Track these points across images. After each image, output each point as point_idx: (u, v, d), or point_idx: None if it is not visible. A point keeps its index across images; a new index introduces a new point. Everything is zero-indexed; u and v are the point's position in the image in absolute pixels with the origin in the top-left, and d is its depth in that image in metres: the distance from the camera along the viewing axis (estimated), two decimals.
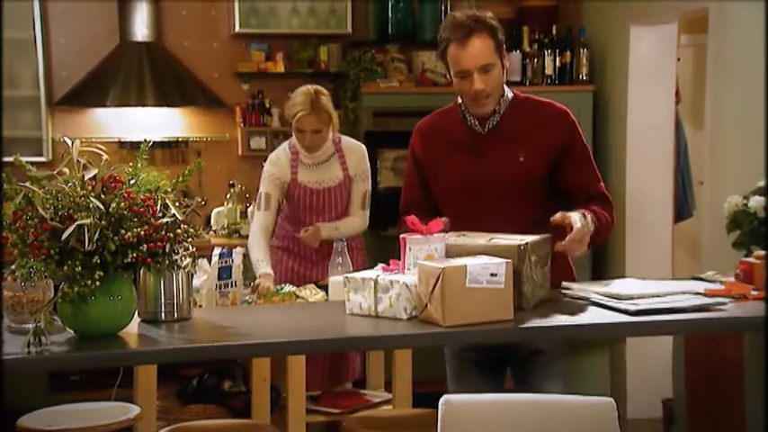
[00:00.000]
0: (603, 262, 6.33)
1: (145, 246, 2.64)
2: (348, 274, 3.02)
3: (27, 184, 2.67)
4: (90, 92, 6.25)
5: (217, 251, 4.02)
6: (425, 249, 2.95)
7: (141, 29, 6.31)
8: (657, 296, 2.92)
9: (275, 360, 4.10)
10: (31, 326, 2.83)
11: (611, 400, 2.34)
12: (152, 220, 2.68)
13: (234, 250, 4.05)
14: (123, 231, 2.60)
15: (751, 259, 3.49)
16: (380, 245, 5.88)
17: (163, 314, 2.92)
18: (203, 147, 6.49)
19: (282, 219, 4.65)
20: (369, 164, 4.70)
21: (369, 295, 2.91)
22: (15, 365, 2.55)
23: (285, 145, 4.65)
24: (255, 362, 4.03)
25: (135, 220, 2.64)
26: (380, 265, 3.02)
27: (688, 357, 4.49)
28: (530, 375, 3.16)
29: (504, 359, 3.25)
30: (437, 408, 4.04)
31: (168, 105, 6.38)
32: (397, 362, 4.14)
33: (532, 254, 2.89)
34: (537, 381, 3.12)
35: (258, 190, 4.61)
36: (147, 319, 2.90)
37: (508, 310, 2.76)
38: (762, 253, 3.56)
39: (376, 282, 2.90)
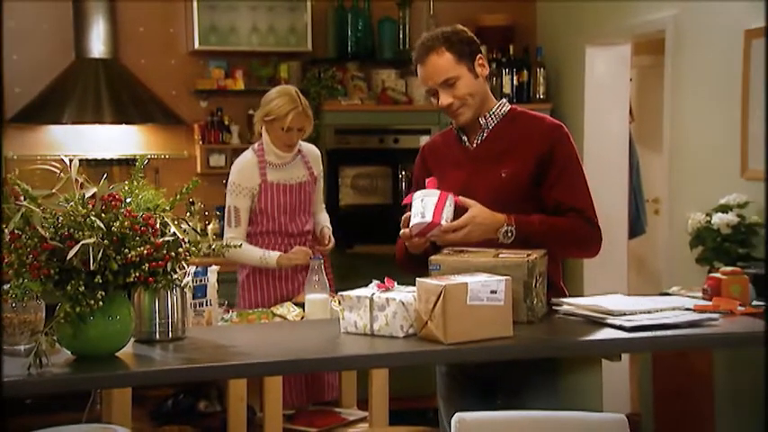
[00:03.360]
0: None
1: (147, 265, 2.61)
2: (343, 293, 3.01)
3: (25, 202, 2.63)
4: (45, 109, 6.15)
5: (191, 270, 3.98)
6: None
7: (98, 45, 6.24)
8: (648, 312, 2.96)
9: (251, 379, 4.07)
10: (23, 347, 2.80)
11: (623, 416, 2.37)
12: (152, 239, 2.66)
13: (209, 269, 4.03)
14: (126, 251, 2.57)
15: (717, 275, 3.54)
16: (345, 262, 5.90)
17: (157, 334, 2.89)
18: (161, 164, 6.43)
19: (254, 237, 4.63)
20: None
21: (364, 314, 2.91)
22: (17, 387, 2.51)
23: (249, 151, 4.71)
24: (232, 381, 3.99)
25: (137, 239, 2.61)
26: (375, 283, 3.02)
27: (656, 372, 4.55)
28: (524, 393, 3.09)
29: (496, 378, 3.24)
30: (415, 425, 4.07)
31: (126, 123, 6.31)
32: (375, 380, 4.13)
33: (538, 268, 2.93)
34: (532, 399, 3.04)
35: (227, 204, 4.64)
36: (141, 339, 2.86)
37: (508, 327, 2.77)
38: (728, 269, 3.63)
39: (371, 300, 2.90)
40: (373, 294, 2.91)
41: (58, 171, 6.13)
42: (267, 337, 3.07)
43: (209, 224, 6.35)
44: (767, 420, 2.82)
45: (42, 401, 5.71)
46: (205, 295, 3.98)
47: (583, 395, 3.37)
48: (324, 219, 4.86)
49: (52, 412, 5.42)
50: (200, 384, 4.40)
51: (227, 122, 6.49)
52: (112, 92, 6.19)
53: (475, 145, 3.29)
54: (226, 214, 4.62)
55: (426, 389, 4.12)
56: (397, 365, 3.32)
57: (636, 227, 6.71)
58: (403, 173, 6.48)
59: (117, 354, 2.68)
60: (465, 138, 3.31)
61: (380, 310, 2.87)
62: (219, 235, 5.65)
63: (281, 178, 4.65)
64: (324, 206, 4.92)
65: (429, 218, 3.00)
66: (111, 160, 6.34)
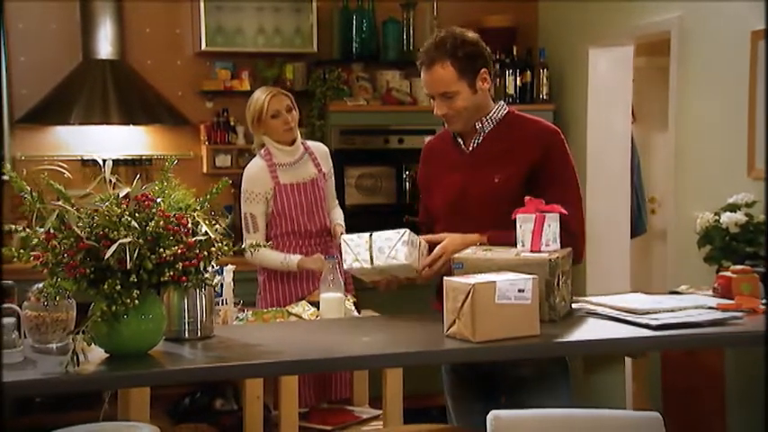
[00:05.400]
0: None
1: (180, 264, 2.65)
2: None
3: (60, 202, 2.67)
4: (53, 110, 6.17)
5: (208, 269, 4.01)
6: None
7: (105, 46, 6.25)
8: (672, 311, 3.00)
9: (266, 378, 4.11)
10: (55, 345, 2.84)
11: (658, 414, 2.40)
12: (185, 238, 2.70)
13: (225, 268, 4.05)
14: (161, 250, 2.61)
15: (728, 273, 3.58)
16: None
17: (186, 332, 2.93)
18: None
19: (275, 240, 4.66)
20: None
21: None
22: (55, 385, 2.54)
23: (256, 158, 4.76)
24: (249, 380, 4.02)
25: (171, 238, 2.65)
26: None
27: (666, 370, 4.59)
28: (530, 391, 3.12)
29: (502, 375, 3.23)
30: (427, 423, 4.09)
31: (133, 123, 6.33)
32: (389, 378, 4.17)
33: (561, 267, 2.97)
34: (538, 397, 3.06)
35: (242, 212, 4.67)
36: (170, 338, 2.89)
37: (535, 325, 2.81)
38: (738, 267, 3.68)
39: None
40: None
41: (66, 172, 6.14)
42: (294, 336, 3.10)
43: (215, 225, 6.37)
44: (767, 416, 2.85)
45: (52, 400, 5.74)
46: (221, 294, 4.01)
47: (606, 393, 3.41)
48: (338, 215, 4.90)
49: (62, 411, 5.46)
50: (216, 382, 4.43)
51: (232, 123, 6.52)
52: (119, 93, 6.20)
53: (471, 148, 3.33)
54: (243, 222, 4.67)
55: (430, 387, 4.15)
56: (425, 364, 3.33)
57: (637, 226, 6.77)
58: (407, 173, 6.52)
59: (149, 352, 2.72)
60: (461, 141, 3.35)
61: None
62: (226, 235, 5.66)
63: (292, 178, 4.69)
64: (337, 202, 4.96)
65: (528, 246, 3.03)
66: (118, 161, 6.35)
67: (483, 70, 3.25)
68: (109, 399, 4.68)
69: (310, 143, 4.87)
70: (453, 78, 3.20)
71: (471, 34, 3.28)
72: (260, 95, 4.72)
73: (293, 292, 4.64)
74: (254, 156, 4.80)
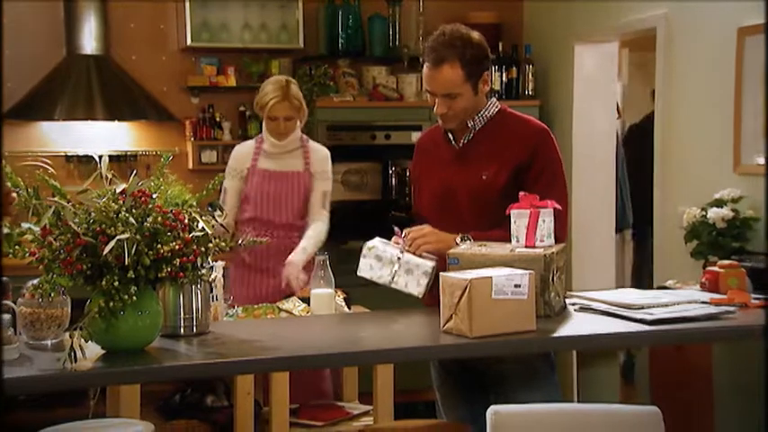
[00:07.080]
0: None
1: (178, 260, 2.64)
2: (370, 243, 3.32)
3: (56, 198, 2.65)
4: (37, 105, 6.12)
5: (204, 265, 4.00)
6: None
7: (89, 41, 6.21)
8: (666, 306, 3.01)
9: (257, 374, 4.10)
10: (49, 342, 2.83)
11: (657, 408, 2.42)
12: (182, 234, 2.69)
13: (215, 264, 4.04)
14: (159, 246, 2.60)
15: (715, 268, 3.60)
16: (340, 258, 5.91)
17: (182, 329, 2.92)
18: (152, 160, 6.41)
19: (239, 225, 4.66)
20: (331, 168, 4.82)
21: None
22: (52, 381, 2.53)
23: (251, 140, 4.83)
24: (239, 377, 4.02)
25: (169, 234, 2.64)
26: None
27: (653, 367, 4.61)
28: (518, 386, 3.12)
29: (490, 371, 3.22)
30: (416, 418, 4.10)
31: (117, 119, 6.28)
32: (380, 373, 4.17)
33: (556, 262, 2.98)
34: (527, 392, 3.06)
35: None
36: (166, 334, 2.88)
37: (531, 320, 2.82)
38: (726, 262, 3.70)
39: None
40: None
41: (50, 168, 6.11)
42: (290, 332, 3.10)
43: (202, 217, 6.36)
44: (767, 413, 2.86)
45: (37, 397, 5.70)
46: (211, 290, 4.00)
47: (601, 388, 3.43)
48: (313, 229, 4.67)
49: (47, 408, 5.42)
50: (208, 379, 4.42)
51: (218, 119, 6.49)
52: (104, 88, 6.16)
53: (461, 145, 3.34)
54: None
55: (420, 382, 4.15)
56: (423, 360, 3.32)
57: (621, 221, 6.81)
58: (393, 168, 6.52)
59: (146, 348, 2.71)
60: (452, 137, 3.36)
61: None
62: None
63: (271, 166, 4.69)
64: (322, 216, 4.73)
65: (523, 241, 3.04)
66: (102, 157, 6.30)
67: (486, 73, 3.26)
68: (96, 396, 4.67)
69: (312, 143, 4.82)
70: (460, 80, 3.19)
71: (476, 34, 3.26)
72: (269, 92, 4.60)
73: (259, 290, 4.61)
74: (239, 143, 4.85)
